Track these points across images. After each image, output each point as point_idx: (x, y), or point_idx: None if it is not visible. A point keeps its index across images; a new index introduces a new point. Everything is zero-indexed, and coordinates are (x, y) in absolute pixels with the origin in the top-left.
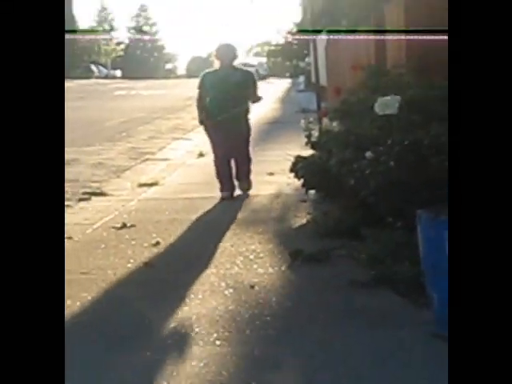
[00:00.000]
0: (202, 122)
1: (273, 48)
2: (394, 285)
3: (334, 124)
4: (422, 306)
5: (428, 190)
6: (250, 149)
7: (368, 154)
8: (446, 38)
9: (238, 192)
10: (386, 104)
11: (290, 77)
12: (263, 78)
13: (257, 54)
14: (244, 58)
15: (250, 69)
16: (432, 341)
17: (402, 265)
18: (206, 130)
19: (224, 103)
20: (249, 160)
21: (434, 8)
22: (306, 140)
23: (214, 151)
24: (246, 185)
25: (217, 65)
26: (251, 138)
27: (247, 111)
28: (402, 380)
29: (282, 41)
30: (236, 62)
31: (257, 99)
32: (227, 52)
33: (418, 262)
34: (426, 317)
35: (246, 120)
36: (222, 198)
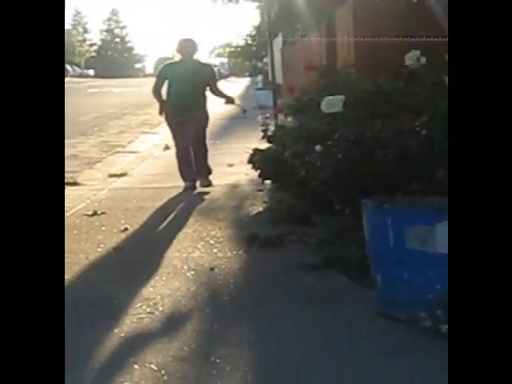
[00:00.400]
0: (161, 113)
1: (233, 49)
2: (342, 267)
3: (289, 119)
4: (368, 286)
5: (373, 180)
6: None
7: (318, 147)
8: (391, 39)
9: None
10: (331, 103)
11: (250, 76)
12: (225, 77)
13: (219, 55)
14: (207, 59)
15: None
16: (376, 319)
17: (349, 249)
18: (167, 120)
19: (184, 94)
20: (205, 150)
21: (381, 13)
22: (262, 134)
23: (175, 141)
24: (206, 181)
25: (178, 58)
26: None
27: (205, 101)
28: (351, 361)
29: (241, 42)
30: (199, 62)
31: (230, 100)
32: (187, 46)
33: (363, 246)
34: (371, 296)
35: (205, 110)
36: (185, 188)
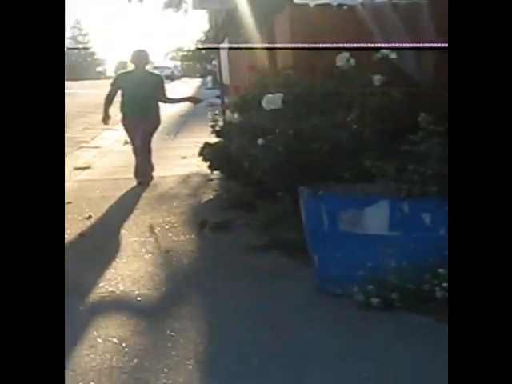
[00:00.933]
0: (105, 122)
1: (185, 53)
2: (284, 248)
3: (235, 116)
4: (307, 265)
5: (309, 169)
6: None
7: (260, 140)
8: (325, 44)
9: (154, 173)
10: (271, 101)
11: (201, 77)
12: (178, 78)
13: (172, 58)
14: (162, 62)
15: (166, 71)
16: (315, 293)
17: (289, 231)
18: (123, 125)
19: (136, 102)
20: (150, 151)
21: (316, 19)
22: (211, 129)
23: (132, 142)
24: (148, 178)
25: (131, 68)
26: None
27: (158, 108)
28: (293, 332)
29: (193, 47)
30: (155, 65)
31: (194, 100)
32: (139, 57)
33: (302, 228)
34: (310, 274)
35: (158, 117)
36: (141, 180)
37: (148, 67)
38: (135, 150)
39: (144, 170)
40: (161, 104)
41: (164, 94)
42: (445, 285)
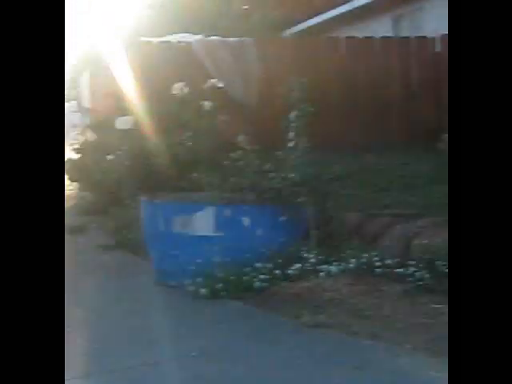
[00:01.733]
0: None
1: None
2: (130, 247)
3: (92, 135)
4: (148, 261)
5: (151, 180)
6: None
7: (109, 156)
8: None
9: None
10: (123, 122)
11: (67, 101)
12: None
13: None
14: None
15: None
16: (154, 285)
17: (134, 233)
18: None
19: None
20: None
21: (159, 53)
22: (72, 147)
23: None
24: None
25: None
26: None
27: None
28: (136, 315)
29: None
30: None
31: None
32: None
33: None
34: (150, 268)
35: None
36: None
37: None
38: None
39: None
40: None
41: None
42: (261, 277)
